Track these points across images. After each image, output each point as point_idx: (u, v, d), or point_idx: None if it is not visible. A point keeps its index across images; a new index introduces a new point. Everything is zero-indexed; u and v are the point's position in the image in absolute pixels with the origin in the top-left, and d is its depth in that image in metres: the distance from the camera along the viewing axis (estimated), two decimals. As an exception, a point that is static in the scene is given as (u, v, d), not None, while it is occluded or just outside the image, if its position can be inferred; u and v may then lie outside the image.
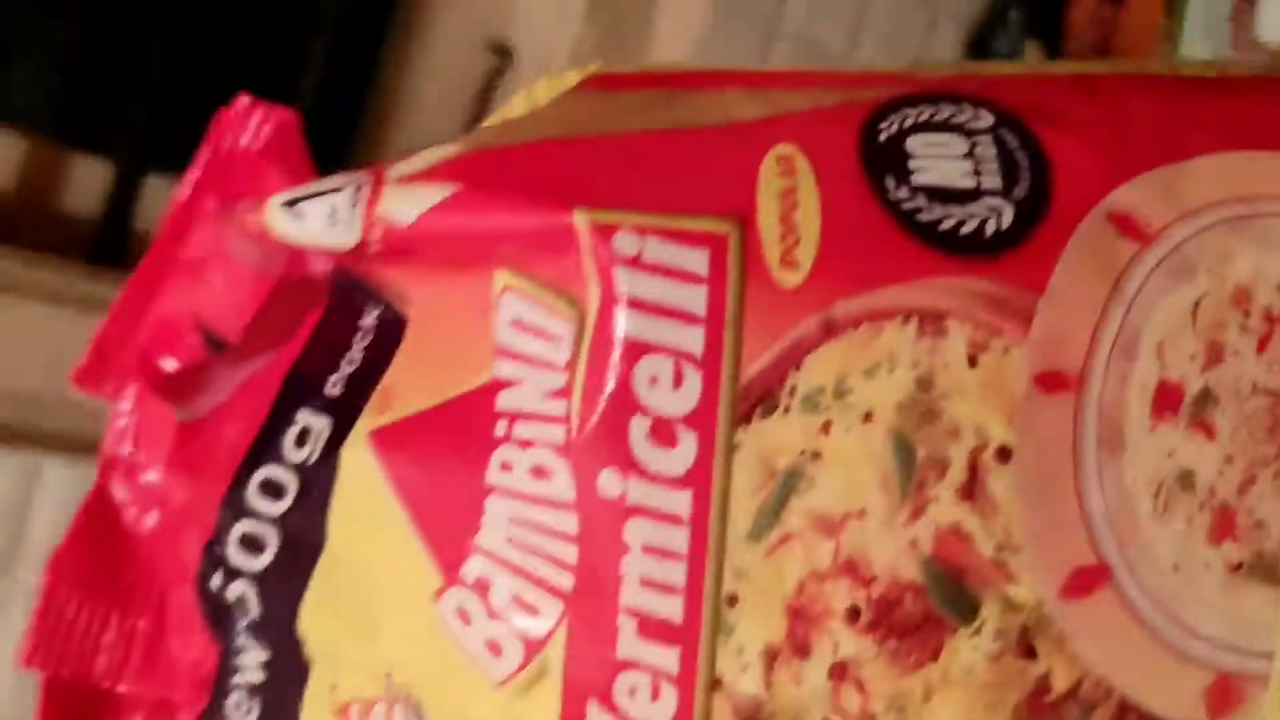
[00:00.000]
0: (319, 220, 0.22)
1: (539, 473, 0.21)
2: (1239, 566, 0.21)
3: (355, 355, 0.24)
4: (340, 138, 0.91)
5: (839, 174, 0.21)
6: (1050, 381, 0.21)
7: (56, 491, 0.67)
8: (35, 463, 0.67)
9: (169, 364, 0.25)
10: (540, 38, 0.96)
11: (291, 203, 0.22)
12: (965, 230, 0.21)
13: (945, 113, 0.22)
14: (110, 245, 0.82)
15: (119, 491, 0.25)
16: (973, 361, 0.21)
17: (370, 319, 0.24)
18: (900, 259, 0.21)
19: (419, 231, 0.21)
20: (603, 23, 0.96)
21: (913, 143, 0.22)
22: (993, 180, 0.22)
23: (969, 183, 0.22)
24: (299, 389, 0.24)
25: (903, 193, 0.21)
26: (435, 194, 0.21)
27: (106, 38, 0.81)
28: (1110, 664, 0.21)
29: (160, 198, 0.82)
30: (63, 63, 0.80)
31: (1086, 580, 0.21)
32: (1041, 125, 0.22)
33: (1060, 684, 0.21)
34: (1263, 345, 0.21)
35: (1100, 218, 0.22)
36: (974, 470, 0.21)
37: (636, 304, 0.20)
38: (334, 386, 0.24)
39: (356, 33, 0.91)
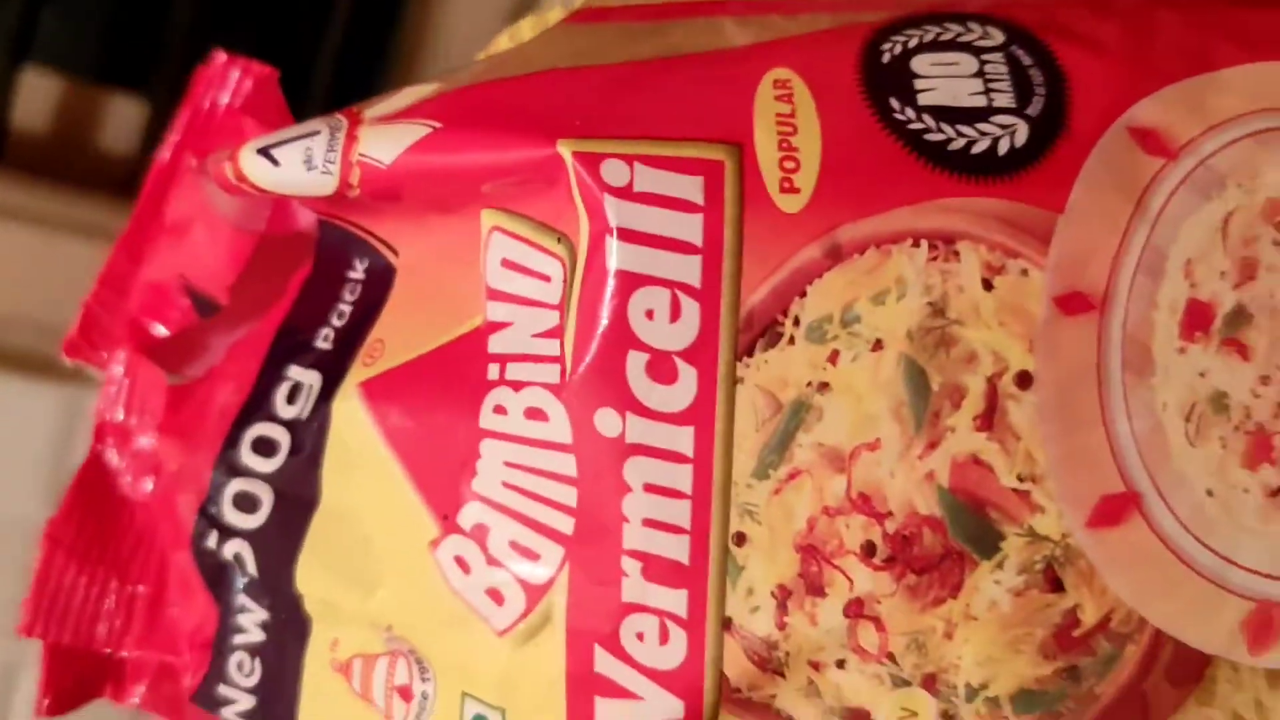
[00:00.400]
0: (295, 165, 0.22)
1: (534, 414, 0.20)
2: (1278, 492, 0.20)
3: (344, 308, 0.23)
4: (371, 70, 0.92)
5: (840, 97, 0.21)
6: (1072, 303, 0.20)
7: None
8: (77, 395, 0.69)
9: (159, 329, 0.25)
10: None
11: (265, 149, 0.22)
12: (977, 149, 0.20)
13: (952, 32, 0.22)
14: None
15: (113, 458, 0.25)
16: (988, 285, 0.20)
17: (358, 271, 0.23)
18: (907, 181, 0.20)
19: (399, 171, 0.21)
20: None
21: (918, 63, 0.21)
22: (1005, 98, 0.21)
23: (979, 101, 0.21)
24: (289, 345, 0.24)
25: (908, 113, 0.20)
26: (414, 132, 0.21)
27: None
28: (1142, 596, 0.20)
29: None
30: (97, 4, 0.81)
31: (1115, 509, 0.20)
32: (1057, 39, 0.21)
33: (1090, 618, 0.20)
34: (1298, 259, 0.20)
35: (1121, 133, 0.21)
36: (992, 398, 0.20)
37: (628, 235, 0.20)
38: (323, 341, 0.23)
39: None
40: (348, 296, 0.24)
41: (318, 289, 0.24)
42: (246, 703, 0.24)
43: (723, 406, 0.20)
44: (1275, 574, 0.20)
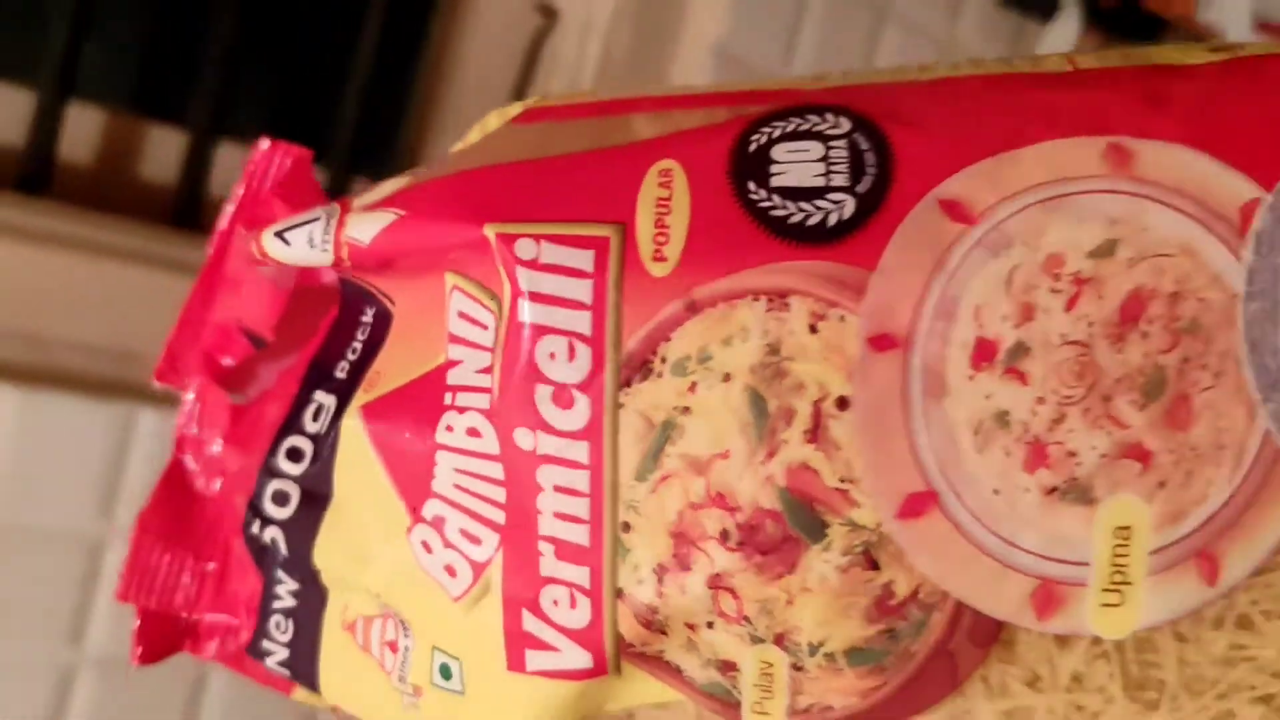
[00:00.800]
0: (302, 245, 0.28)
1: (472, 432, 0.27)
2: (1053, 490, 0.25)
3: (357, 345, 0.30)
4: (398, 97, 0.96)
5: (708, 182, 0.26)
6: (881, 342, 0.25)
7: (149, 440, 0.73)
8: (130, 412, 0.73)
9: (226, 360, 0.32)
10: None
11: (280, 233, 0.29)
12: (811, 222, 0.26)
13: (810, 122, 0.27)
14: (187, 209, 0.87)
15: (190, 462, 0.32)
16: (814, 329, 0.25)
17: (368, 316, 0.30)
18: (752, 248, 0.26)
19: (376, 249, 0.28)
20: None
21: (777, 150, 0.27)
22: (840, 178, 0.26)
23: (820, 181, 0.26)
24: (317, 374, 0.30)
25: (761, 194, 0.26)
26: (386, 219, 0.27)
27: (178, 14, 0.87)
28: (943, 573, 0.25)
29: (230, 163, 0.88)
30: (138, 39, 0.86)
31: (918, 504, 0.25)
32: (892, 125, 0.27)
33: (902, 590, 0.26)
34: (1071, 304, 0.25)
35: (932, 204, 0.26)
36: (818, 418, 0.25)
37: (536, 296, 0.26)
38: (341, 372, 0.30)
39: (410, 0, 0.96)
40: (360, 336, 0.30)
41: (340, 330, 0.31)
42: (283, 654, 0.31)
43: (609, 426, 0.26)
44: (1052, 556, 0.25)
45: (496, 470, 0.27)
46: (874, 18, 1.12)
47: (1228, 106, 0.26)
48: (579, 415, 0.26)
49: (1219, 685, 0.26)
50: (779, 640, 0.26)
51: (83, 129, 0.84)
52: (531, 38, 1.01)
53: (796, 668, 0.26)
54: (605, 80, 0.98)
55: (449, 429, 0.27)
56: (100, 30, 0.80)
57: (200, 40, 0.85)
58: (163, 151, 0.86)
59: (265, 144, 0.32)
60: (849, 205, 0.26)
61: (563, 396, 0.26)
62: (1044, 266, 0.25)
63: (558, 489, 0.26)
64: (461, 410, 0.27)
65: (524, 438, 0.26)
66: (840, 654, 0.26)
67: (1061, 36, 1.17)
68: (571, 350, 0.26)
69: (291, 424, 0.31)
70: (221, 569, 0.32)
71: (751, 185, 0.26)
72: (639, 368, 0.26)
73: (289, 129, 0.94)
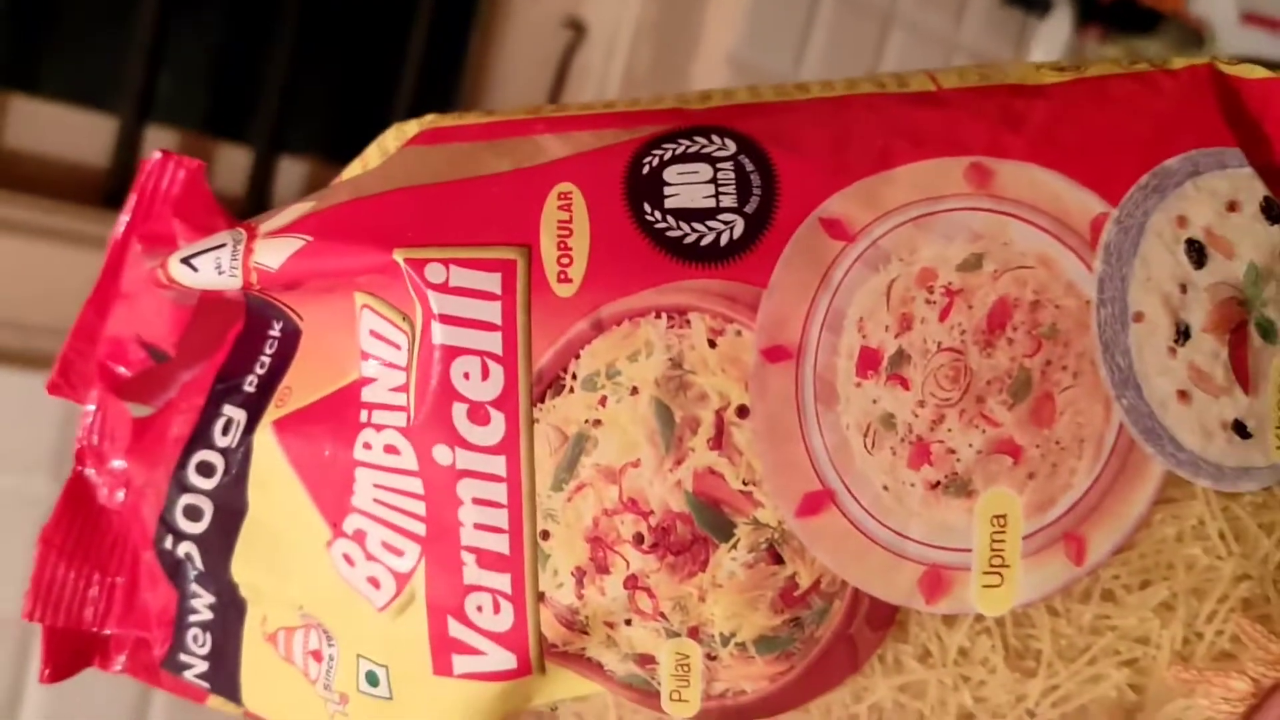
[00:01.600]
0: (210, 271, 0.30)
1: (390, 449, 0.28)
2: (937, 485, 0.28)
3: (265, 359, 0.31)
4: (441, 108, 1.02)
5: (606, 204, 0.28)
6: (775, 354, 0.28)
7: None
8: None
9: (123, 370, 0.33)
10: (609, 14, 1.10)
11: (187, 259, 0.30)
12: (704, 243, 0.28)
13: (698, 144, 0.29)
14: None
15: (93, 475, 0.33)
16: (712, 343, 0.28)
17: (276, 330, 0.31)
18: (652, 269, 0.28)
19: (285, 273, 0.29)
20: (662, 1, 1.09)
21: (669, 173, 0.29)
22: (729, 199, 0.28)
23: (710, 203, 0.28)
24: (224, 388, 0.31)
25: (656, 215, 0.28)
26: (293, 245, 0.29)
27: (241, 45, 0.98)
28: (841, 564, 0.28)
29: (292, 175, 0.99)
30: (206, 68, 0.96)
31: (815, 503, 0.28)
32: (774, 147, 0.29)
33: (805, 581, 0.28)
34: (945, 314, 0.28)
35: (815, 223, 0.28)
36: (720, 426, 0.28)
37: (447, 319, 0.28)
38: (249, 385, 0.31)
39: (450, 20, 1.06)
40: (268, 350, 0.31)
41: (247, 343, 0.32)
42: (201, 667, 0.32)
43: (525, 440, 0.28)
44: (938, 545, 0.28)
45: (416, 485, 0.28)
46: (880, 22, 1.19)
47: (1074, 125, 0.29)
48: (495, 431, 0.28)
49: (1089, 652, 0.29)
50: (693, 633, 0.28)
51: (159, 147, 0.94)
52: (562, 52, 1.08)
53: (710, 657, 0.29)
54: (629, 90, 1.06)
55: (366, 446, 0.29)
56: (173, 60, 0.92)
57: (261, 66, 0.97)
58: (230, 166, 0.97)
59: (158, 154, 0.33)
60: (739, 225, 0.28)
61: (478, 413, 0.28)
62: (918, 279, 0.28)
63: (477, 501, 0.28)
64: (379, 428, 0.29)
65: (442, 454, 0.28)
66: (750, 643, 0.28)
67: (1055, 33, 1.22)
68: (485, 369, 0.28)
69: (200, 438, 0.32)
70: (130, 583, 0.33)
71: (647, 207, 0.28)
72: (551, 384, 0.28)
73: (343, 143, 1.00)
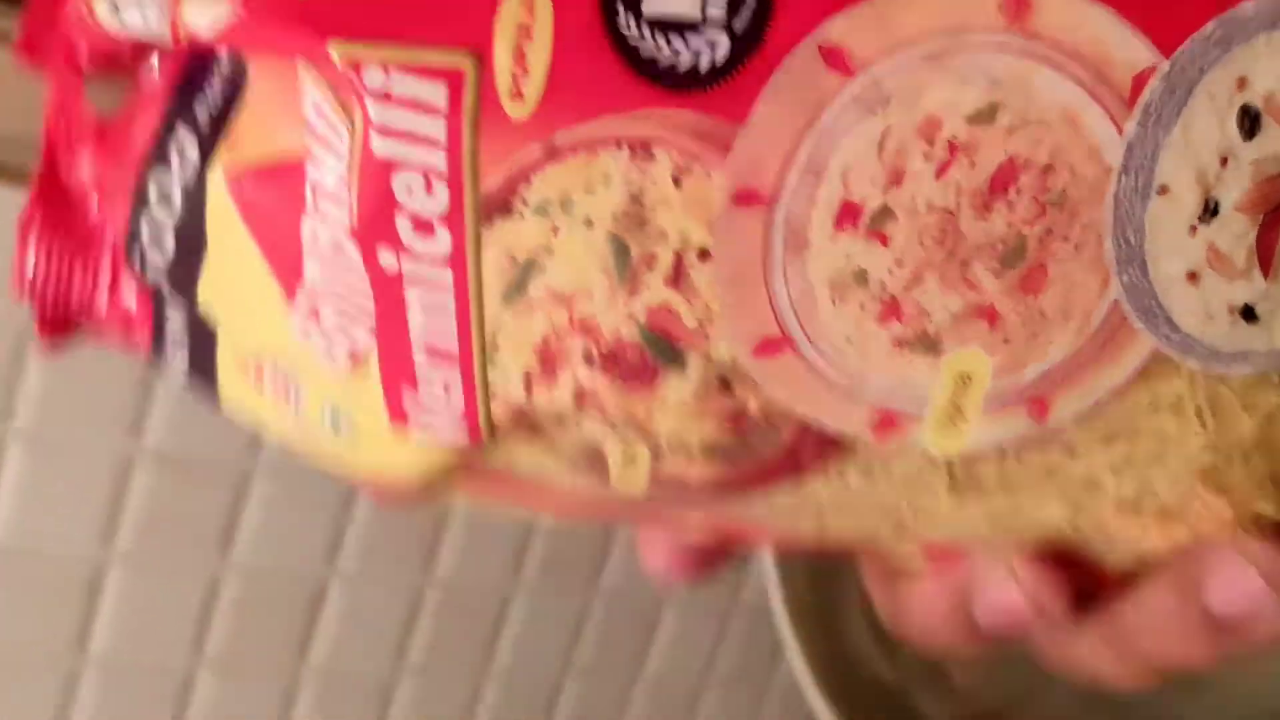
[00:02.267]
0: (136, 21, 0.27)
1: (335, 247, 0.27)
2: (902, 342, 0.26)
3: (214, 87, 0.29)
4: None
5: (576, 5, 0.24)
6: (745, 197, 0.25)
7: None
8: None
9: (86, 53, 0.30)
10: None
11: (112, 2, 0.27)
12: (681, 67, 0.25)
13: None
14: None
15: (64, 165, 0.32)
16: (677, 182, 0.25)
17: (224, 67, 0.29)
18: (619, 93, 0.25)
19: (215, 41, 0.26)
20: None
21: None
22: (717, 9, 0.24)
23: (695, 13, 0.24)
24: (181, 104, 0.29)
25: (631, 26, 0.24)
26: (220, 13, 0.25)
27: None
28: (792, 400, 0.28)
29: None
30: None
31: (772, 346, 0.27)
32: None
33: (753, 409, 0.28)
34: (942, 171, 0.25)
35: (811, 49, 0.24)
36: (679, 266, 0.26)
37: (386, 131, 0.25)
38: (202, 111, 0.29)
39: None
40: (216, 76, 0.29)
41: (197, 66, 0.30)
42: (181, 382, 0.33)
43: (472, 261, 0.26)
44: (898, 396, 0.27)
45: (364, 285, 0.27)
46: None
47: None
48: (442, 245, 0.26)
49: (1034, 490, 0.29)
50: (642, 436, 0.29)
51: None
52: None
53: (657, 458, 0.29)
54: None
55: (314, 236, 0.27)
56: None
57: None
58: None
59: None
60: (722, 45, 0.24)
61: (423, 225, 0.26)
62: (919, 130, 0.25)
63: (425, 307, 0.27)
64: (323, 220, 0.27)
65: (387, 259, 0.27)
66: (698, 451, 0.29)
67: None
68: (428, 185, 0.26)
69: (158, 156, 0.30)
70: (113, 278, 0.33)
71: (622, 11, 0.24)
72: (500, 207, 0.26)
73: None
